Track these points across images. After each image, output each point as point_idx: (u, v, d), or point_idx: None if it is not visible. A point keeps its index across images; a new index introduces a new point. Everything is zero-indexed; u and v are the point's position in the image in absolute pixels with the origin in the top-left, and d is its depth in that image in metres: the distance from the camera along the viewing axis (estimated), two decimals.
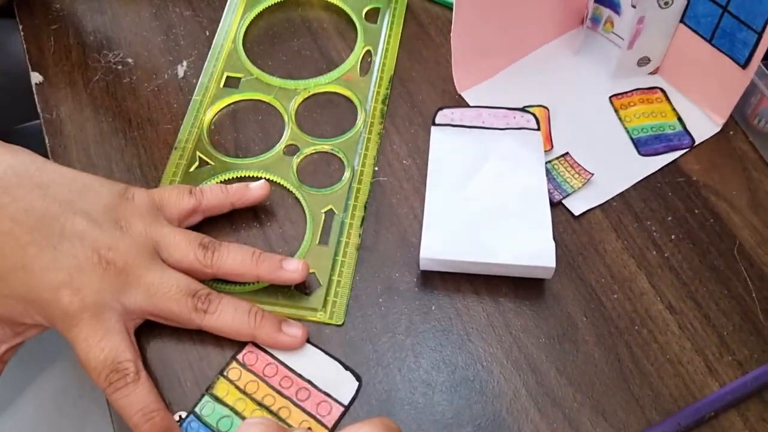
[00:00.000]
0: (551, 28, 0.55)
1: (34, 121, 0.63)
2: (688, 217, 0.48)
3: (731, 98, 0.50)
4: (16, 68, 0.82)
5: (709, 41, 0.49)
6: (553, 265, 0.43)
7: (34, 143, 0.64)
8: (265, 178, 0.48)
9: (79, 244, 0.39)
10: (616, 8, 0.53)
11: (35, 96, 0.52)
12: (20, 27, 0.56)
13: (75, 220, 0.40)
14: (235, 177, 0.48)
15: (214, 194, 0.45)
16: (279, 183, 0.48)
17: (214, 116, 0.51)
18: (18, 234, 0.39)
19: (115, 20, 0.56)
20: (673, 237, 0.47)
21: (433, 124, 0.50)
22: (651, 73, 0.54)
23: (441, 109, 0.51)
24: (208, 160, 0.49)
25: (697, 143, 0.51)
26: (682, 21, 0.50)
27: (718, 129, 0.51)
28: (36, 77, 0.53)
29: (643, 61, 0.53)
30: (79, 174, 0.43)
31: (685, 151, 0.50)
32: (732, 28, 0.47)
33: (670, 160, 0.50)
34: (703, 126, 0.52)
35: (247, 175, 0.48)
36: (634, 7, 0.52)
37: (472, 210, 0.46)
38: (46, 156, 0.50)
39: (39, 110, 0.52)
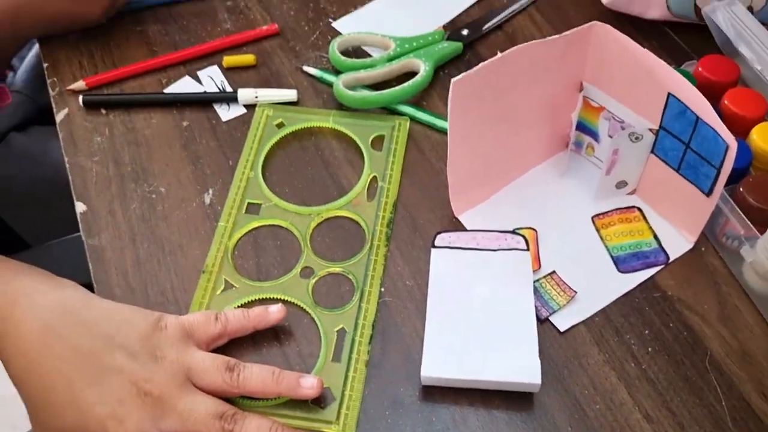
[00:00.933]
0: (539, 152, 0.61)
1: (75, 234, 0.69)
2: (664, 330, 0.53)
3: (700, 220, 0.55)
4: (59, 175, 0.89)
5: (677, 170, 0.55)
6: (539, 381, 0.48)
7: (73, 254, 0.71)
8: (283, 300, 0.54)
9: (120, 378, 0.45)
10: (595, 137, 0.60)
11: (80, 224, 0.59)
12: (65, 159, 0.63)
13: (115, 355, 0.46)
14: (257, 299, 0.54)
15: (237, 320, 0.51)
16: (296, 304, 0.54)
17: (238, 241, 0.58)
18: (66, 371, 0.45)
19: (149, 151, 0.63)
20: (649, 350, 0.52)
21: (433, 246, 0.56)
22: (629, 194, 0.60)
23: (440, 232, 0.57)
24: (233, 284, 0.55)
25: (671, 260, 0.56)
26: (652, 152, 0.56)
27: (690, 246, 0.57)
28: (80, 206, 0.60)
29: (621, 184, 0.59)
30: (118, 307, 0.49)
31: (660, 267, 0.56)
32: (695, 162, 0.53)
33: (647, 276, 0.56)
34: (677, 243, 0.57)
35: (268, 297, 0.54)
36: (610, 136, 0.58)
37: (467, 329, 0.51)
38: (88, 273, 0.57)
39: (83, 238, 0.58)
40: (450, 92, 0.50)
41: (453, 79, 0.50)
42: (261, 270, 0.56)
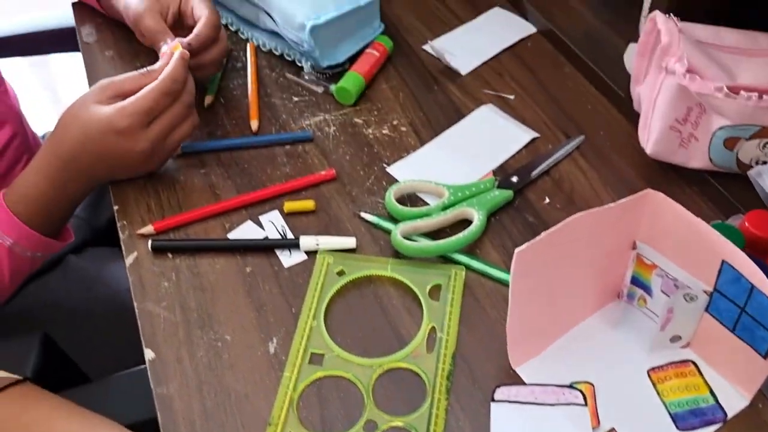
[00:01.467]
0: (592, 304, 0.63)
1: (141, 366, 0.70)
2: None
3: (756, 379, 0.56)
4: (116, 298, 0.92)
5: (732, 331, 0.57)
6: None
7: (136, 390, 0.73)
8: None
9: None
10: (647, 290, 0.62)
11: (149, 372, 0.61)
12: (135, 305, 0.66)
13: None
14: None
15: None
16: None
17: (302, 392, 0.59)
18: None
19: (214, 297, 0.66)
20: None
21: (493, 400, 0.58)
22: (683, 347, 0.61)
23: (499, 386, 0.58)
24: None
25: (729, 417, 0.57)
26: (707, 311, 0.58)
27: (747, 403, 0.58)
28: (149, 354, 0.62)
29: (675, 339, 0.61)
30: None
31: (719, 425, 0.57)
32: (751, 326, 0.55)
33: None
34: (734, 399, 0.58)
35: None
36: (663, 292, 0.60)
37: None
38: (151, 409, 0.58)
39: (152, 386, 0.60)
40: (513, 262, 0.53)
41: (517, 250, 0.52)
42: (325, 423, 0.58)
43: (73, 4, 0.99)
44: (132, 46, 0.89)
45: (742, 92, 0.65)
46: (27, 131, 0.97)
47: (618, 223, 0.57)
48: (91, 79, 0.88)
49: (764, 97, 0.65)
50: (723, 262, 0.54)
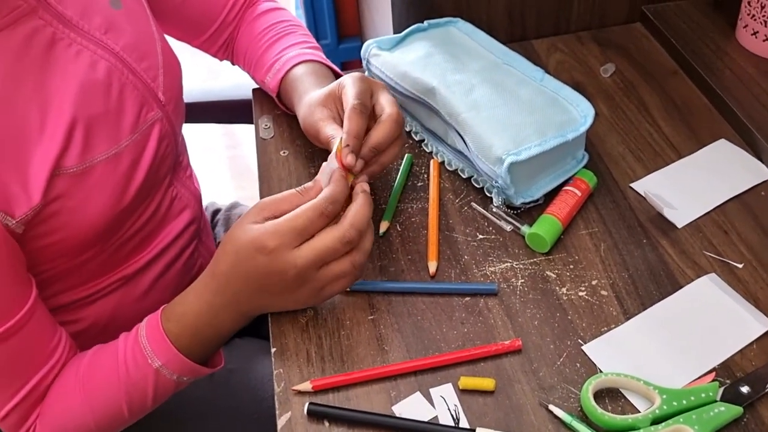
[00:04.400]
0: None
1: None
2: None
3: None
4: (264, 392, 0.87)
5: None
6: None
7: None
8: None
9: None
10: None
11: None
12: None
13: None
14: None
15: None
16: None
17: None
18: None
19: None
20: None
21: None
22: None
23: None
24: None
25: None
26: None
27: None
28: None
29: None
30: None
31: None
32: None
33: None
34: None
35: None
36: None
37: None
38: None
39: None
40: None
41: None
42: None
43: (254, 90, 0.95)
44: (309, 145, 0.83)
45: None
46: (203, 215, 0.94)
47: None
48: (263, 179, 0.83)
49: None
50: None
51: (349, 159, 0.66)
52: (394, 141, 0.71)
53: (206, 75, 2.13)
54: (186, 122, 0.86)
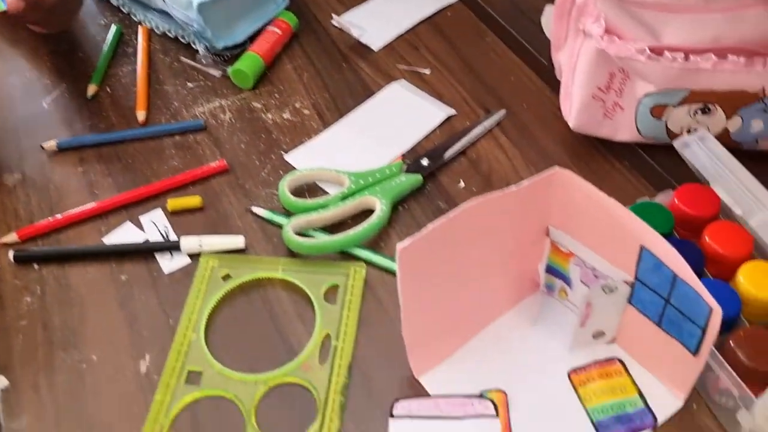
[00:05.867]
0: (506, 298, 0.56)
1: None
2: None
3: (688, 378, 0.49)
4: None
5: (658, 325, 0.50)
6: None
7: None
8: None
9: None
10: (567, 281, 0.54)
11: (0, 403, 0.53)
12: None
13: None
14: None
15: None
16: None
17: (175, 418, 0.52)
18: None
19: (82, 312, 0.58)
20: None
21: (391, 416, 0.50)
22: (609, 343, 0.54)
23: (398, 400, 0.51)
24: None
25: (660, 422, 0.50)
26: (630, 302, 0.51)
27: (680, 404, 0.51)
28: (2, 382, 0.54)
29: (599, 335, 0.54)
30: None
31: None
32: (677, 319, 0.48)
33: None
34: (665, 401, 0.51)
35: None
36: (583, 282, 0.53)
37: None
38: None
39: (1, 420, 0.52)
40: (397, 260, 0.45)
41: (399, 246, 0.45)
42: None
43: None
44: None
45: (666, 53, 0.58)
46: None
47: (525, 207, 0.50)
48: None
49: (691, 57, 0.58)
50: (642, 247, 0.47)
51: None
52: None
53: None
54: None
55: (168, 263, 0.61)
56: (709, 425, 0.50)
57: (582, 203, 0.49)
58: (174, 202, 0.64)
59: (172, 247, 0.61)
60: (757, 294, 0.51)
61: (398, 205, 0.64)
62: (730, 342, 0.49)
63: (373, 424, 0.51)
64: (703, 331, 0.45)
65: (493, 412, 0.50)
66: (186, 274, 0.60)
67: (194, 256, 0.61)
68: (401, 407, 0.51)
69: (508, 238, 0.51)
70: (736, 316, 0.50)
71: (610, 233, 0.48)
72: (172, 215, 0.64)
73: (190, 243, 0.61)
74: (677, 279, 0.45)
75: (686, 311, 0.46)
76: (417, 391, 0.52)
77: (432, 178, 0.66)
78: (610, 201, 0.47)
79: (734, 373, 0.47)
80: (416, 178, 0.64)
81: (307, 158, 0.68)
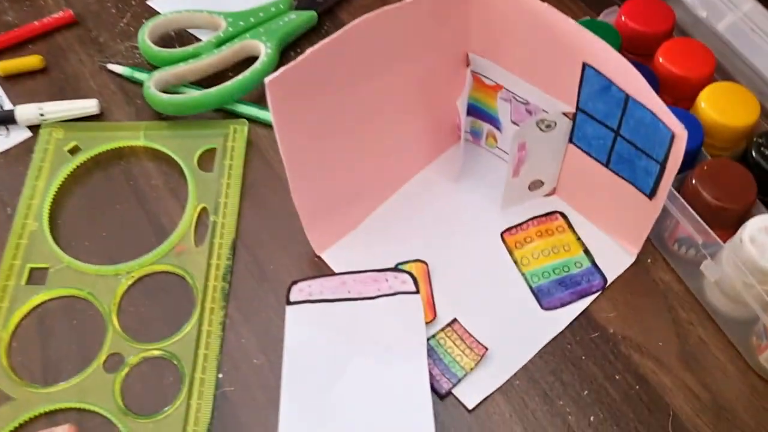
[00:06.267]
0: (419, 151, 0.46)
1: None
2: (608, 386, 0.39)
3: (642, 227, 0.41)
4: None
5: (606, 165, 0.40)
6: None
7: None
8: (80, 409, 0.38)
9: None
10: (495, 123, 0.44)
11: None
12: None
13: None
14: (43, 413, 0.38)
15: None
16: (99, 413, 0.38)
17: (16, 328, 0.41)
18: None
19: None
20: (592, 419, 0.38)
21: (288, 302, 0.41)
22: (547, 195, 0.45)
23: (295, 282, 0.41)
24: (10, 394, 0.39)
25: (610, 282, 0.42)
26: (571, 141, 0.41)
27: (632, 260, 0.43)
28: None
29: (536, 185, 0.44)
30: None
31: (596, 295, 0.42)
32: (629, 154, 0.38)
33: (580, 310, 0.41)
34: (616, 257, 0.43)
35: (58, 409, 0.38)
36: (514, 122, 0.43)
37: (338, 418, 0.37)
38: None
39: None
40: (267, 96, 0.34)
41: (267, 79, 0.34)
42: (49, 368, 0.40)
43: None
44: None
45: None
46: None
47: (435, 27, 0.39)
48: None
49: None
50: (584, 65, 0.37)
51: None
52: None
53: None
54: None
55: (3, 139, 0.48)
56: (667, 280, 0.42)
57: (506, 16, 0.38)
58: (7, 65, 0.51)
59: (6, 119, 0.48)
60: (722, 121, 0.42)
61: (289, 50, 0.52)
62: (692, 179, 0.40)
63: (265, 312, 0.41)
64: (662, 165, 0.36)
65: (413, 287, 0.41)
66: (26, 151, 0.48)
67: (36, 128, 0.49)
68: (300, 290, 0.41)
69: (416, 71, 0.40)
70: (698, 148, 0.41)
71: (545, 53, 0.38)
72: (6, 80, 0.51)
73: (27, 112, 0.48)
74: (630, 101, 0.36)
75: (641, 143, 0.37)
76: (319, 270, 0.43)
77: (330, 14, 0.54)
78: (543, 6, 0.36)
79: (697, 216, 0.39)
80: (310, 15, 0.52)
81: (176, 2, 0.55)
